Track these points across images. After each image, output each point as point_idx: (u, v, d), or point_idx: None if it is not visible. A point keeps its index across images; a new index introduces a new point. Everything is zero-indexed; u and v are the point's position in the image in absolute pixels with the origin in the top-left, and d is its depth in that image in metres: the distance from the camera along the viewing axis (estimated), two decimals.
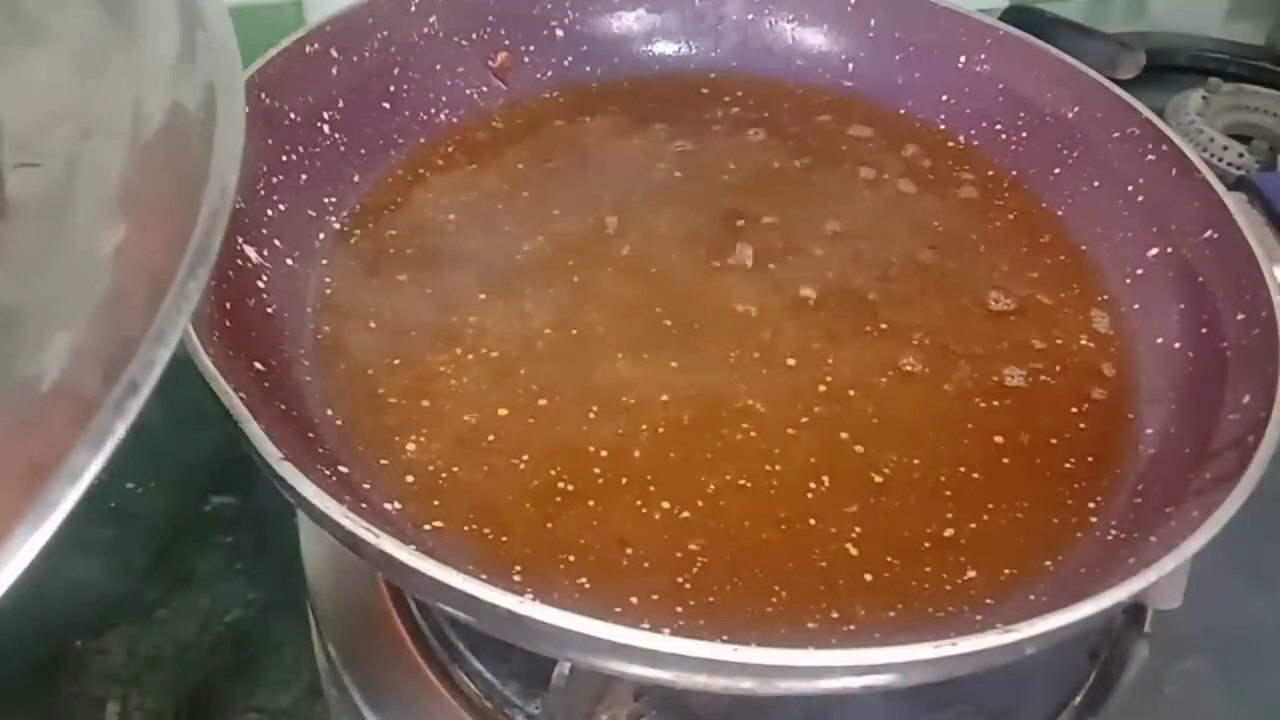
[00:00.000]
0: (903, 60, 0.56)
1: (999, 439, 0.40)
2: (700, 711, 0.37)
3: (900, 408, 0.41)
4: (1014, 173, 0.53)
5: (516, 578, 0.34)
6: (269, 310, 0.40)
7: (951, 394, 0.42)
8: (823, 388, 0.41)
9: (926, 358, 0.43)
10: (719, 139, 0.53)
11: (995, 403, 0.42)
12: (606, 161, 0.51)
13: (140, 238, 0.24)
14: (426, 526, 0.35)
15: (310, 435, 0.36)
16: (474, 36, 0.53)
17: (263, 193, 0.43)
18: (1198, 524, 0.32)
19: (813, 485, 0.38)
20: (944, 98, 0.55)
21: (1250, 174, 0.63)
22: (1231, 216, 0.44)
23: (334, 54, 0.48)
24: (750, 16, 0.58)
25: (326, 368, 0.40)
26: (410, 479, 0.37)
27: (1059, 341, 0.45)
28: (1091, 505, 0.39)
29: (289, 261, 0.43)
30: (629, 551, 0.35)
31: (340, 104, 0.48)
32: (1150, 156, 0.48)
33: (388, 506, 0.36)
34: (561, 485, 0.37)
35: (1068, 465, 0.40)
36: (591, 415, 0.39)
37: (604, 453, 0.38)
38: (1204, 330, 0.43)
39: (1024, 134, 0.53)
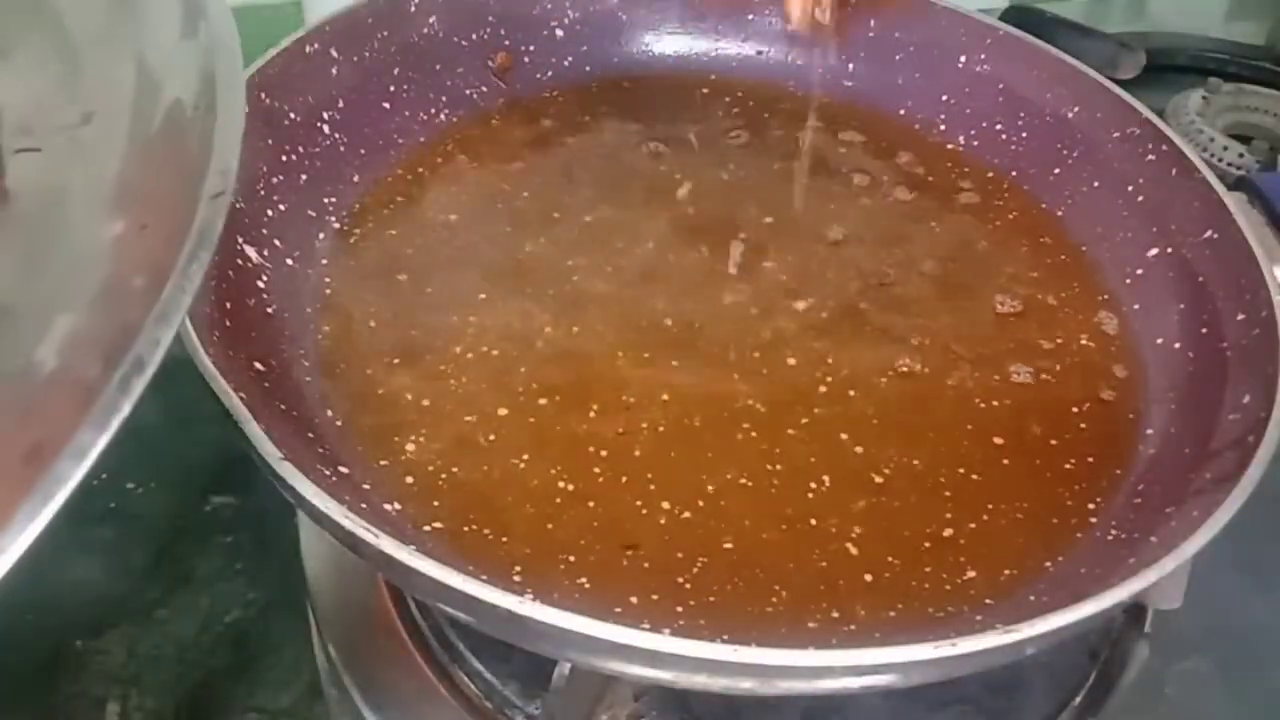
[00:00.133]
0: (902, 60, 0.56)
1: (999, 439, 0.40)
2: (700, 711, 0.37)
3: (900, 408, 0.41)
4: (1014, 173, 0.53)
5: (516, 578, 0.34)
6: (269, 310, 0.40)
7: (952, 394, 0.42)
8: (823, 388, 0.41)
9: (926, 358, 0.43)
10: (719, 139, 0.53)
11: (995, 403, 0.42)
12: (606, 162, 0.51)
13: (141, 223, 0.24)
14: (426, 526, 0.35)
15: (310, 435, 0.36)
16: (474, 36, 0.53)
17: (263, 193, 0.43)
18: (1198, 524, 0.32)
19: (813, 485, 0.38)
20: (944, 98, 0.55)
21: (1250, 174, 0.63)
22: (1231, 216, 0.44)
23: (334, 54, 0.48)
24: (750, 17, 0.58)
25: (326, 368, 0.40)
26: (410, 479, 0.37)
27: (1059, 341, 0.45)
28: (1091, 505, 0.39)
29: (289, 261, 0.43)
30: (629, 551, 0.35)
31: (340, 104, 0.48)
32: (1150, 156, 0.48)
33: (388, 506, 0.36)
34: (561, 485, 0.37)
35: (1068, 465, 0.40)
36: (591, 415, 0.39)
37: (604, 453, 0.38)
38: (1204, 330, 0.43)
39: (1024, 134, 0.53)
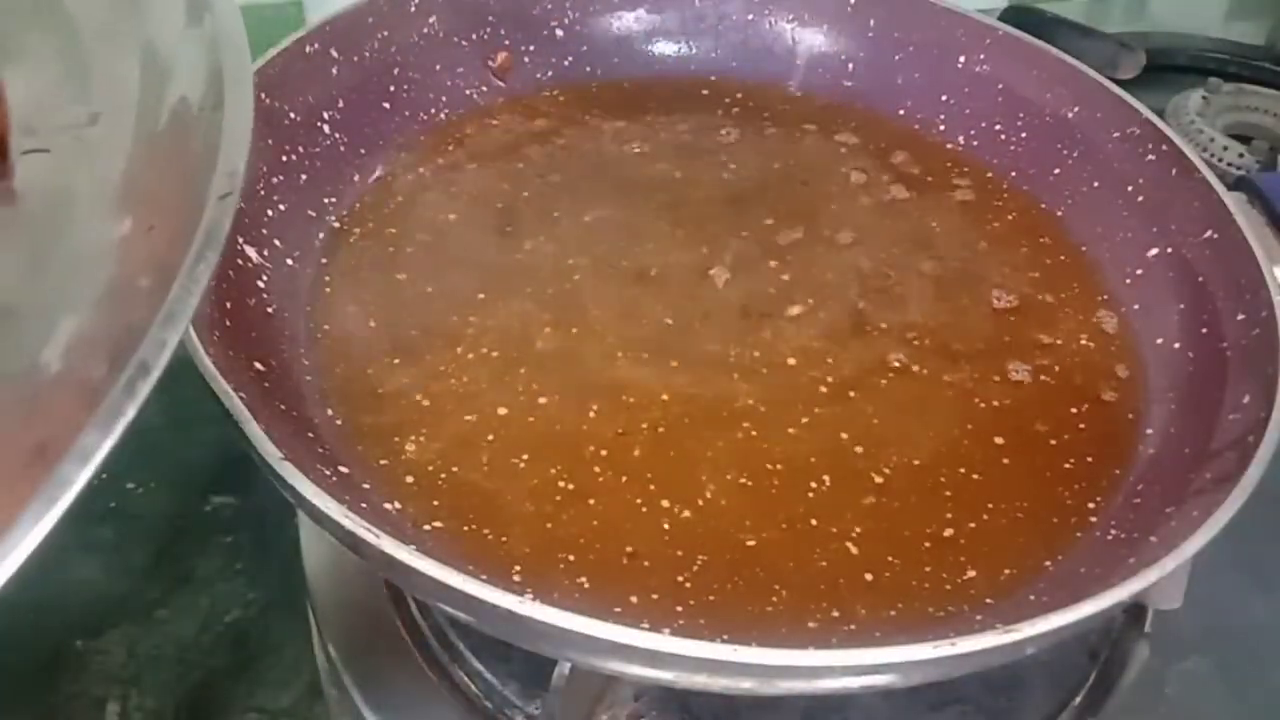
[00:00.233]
0: (902, 60, 0.56)
1: (999, 439, 0.40)
2: (700, 711, 0.37)
3: (900, 408, 0.41)
4: (1014, 173, 0.53)
5: (516, 578, 0.34)
6: (269, 310, 0.40)
7: (952, 394, 0.42)
8: (823, 388, 0.41)
9: (926, 358, 0.43)
10: (719, 139, 0.53)
11: (995, 403, 0.42)
12: (606, 161, 0.51)
13: (148, 224, 0.24)
14: (426, 526, 0.35)
15: (310, 435, 0.36)
16: (474, 36, 0.53)
17: (263, 193, 0.43)
18: (1198, 524, 0.32)
19: (813, 485, 0.38)
20: (943, 98, 0.55)
21: (1250, 174, 0.63)
22: (1231, 216, 0.44)
23: (334, 54, 0.48)
24: (750, 17, 0.58)
25: (326, 368, 0.40)
26: (410, 479, 0.37)
27: (1058, 342, 0.45)
28: (1091, 505, 0.39)
29: (289, 261, 0.43)
30: (629, 551, 0.35)
31: (340, 104, 0.48)
32: (1150, 156, 0.48)
33: (388, 506, 0.36)
34: (561, 485, 0.37)
35: (1068, 465, 0.40)
36: (591, 414, 0.39)
37: (604, 452, 0.38)
38: (1204, 330, 0.43)
39: (1024, 134, 0.53)
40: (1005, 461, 0.40)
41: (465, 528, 0.35)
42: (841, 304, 0.45)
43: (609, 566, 0.35)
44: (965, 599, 0.35)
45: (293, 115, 0.46)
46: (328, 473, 0.34)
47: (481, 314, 0.43)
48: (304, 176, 0.45)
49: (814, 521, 0.37)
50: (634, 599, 0.34)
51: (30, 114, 0.27)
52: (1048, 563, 0.37)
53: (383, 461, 0.37)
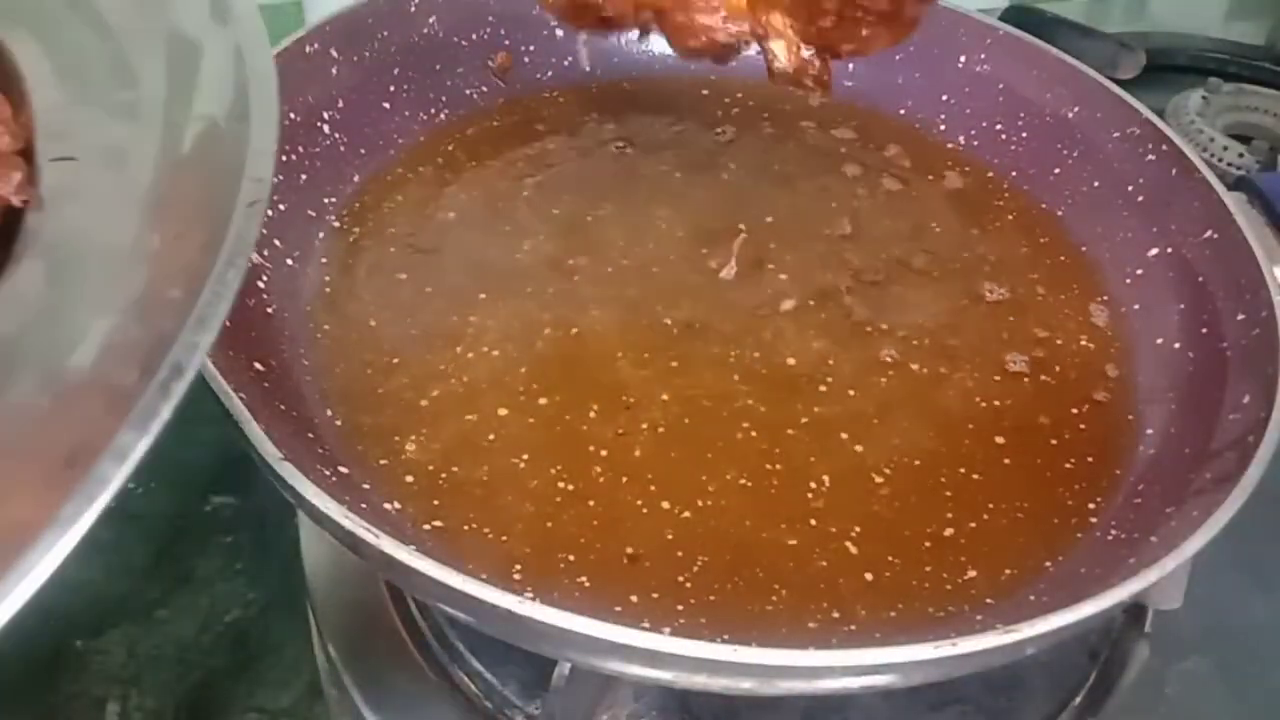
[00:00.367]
0: (903, 60, 0.56)
1: (999, 439, 0.40)
2: (700, 711, 0.37)
3: (900, 408, 0.41)
4: (1014, 173, 0.53)
5: (516, 578, 0.34)
6: (269, 310, 0.40)
7: (952, 394, 0.42)
8: (823, 388, 0.41)
9: (926, 358, 0.43)
10: (719, 139, 0.53)
11: (995, 403, 0.42)
12: (606, 161, 0.51)
13: (176, 231, 0.24)
14: (426, 526, 0.35)
15: (310, 435, 0.36)
16: (474, 36, 0.53)
17: None
18: (1198, 524, 0.32)
19: (813, 485, 0.38)
20: (944, 98, 0.55)
21: (1250, 174, 0.63)
22: (1231, 216, 0.44)
23: (334, 54, 0.48)
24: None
25: (326, 368, 0.40)
26: (410, 479, 0.37)
27: (1059, 342, 0.45)
28: (1091, 505, 0.39)
29: (289, 261, 0.43)
30: (629, 551, 0.35)
31: (340, 104, 0.48)
32: (1150, 156, 0.48)
33: (388, 506, 0.36)
34: (561, 485, 0.37)
35: (1068, 465, 0.40)
36: (591, 415, 0.39)
37: (604, 452, 0.38)
38: (1204, 330, 0.43)
39: (1024, 134, 0.53)
40: (1005, 461, 0.40)
41: (465, 528, 0.35)
42: (841, 304, 0.45)
43: (609, 566, 0.35)
44: (965, 599, 0.35)
45: (293, 115, 0.46)
46: (328, 473, 0.34)
47: (481, 314, 0.43)
48: (304, 176, 0.45)
49: (814, 521, 0.37)
50: (634, 599, 0.34)
51: (58, 121, 0.27)
52: (1048, 563, 0.37)
53: (383, 461, 0.37)
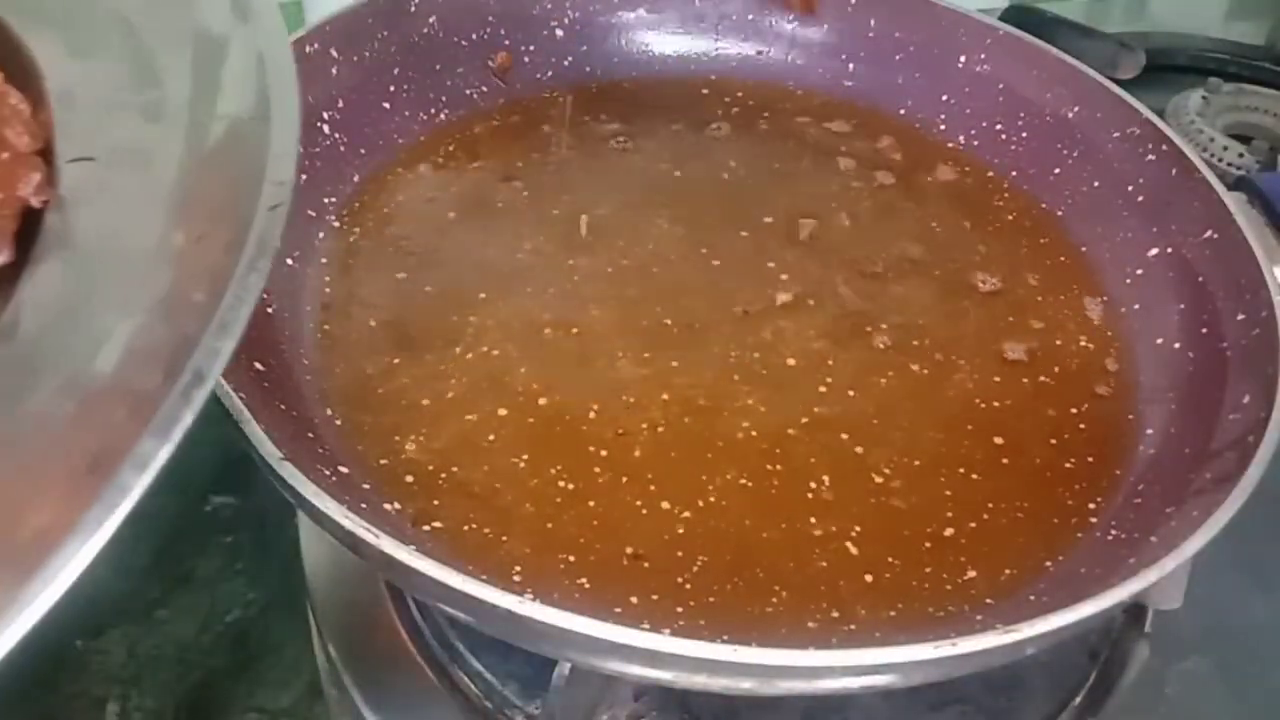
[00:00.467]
0: (903, 60, 0.56)
1: (999, 439, 0.40)
2: (700, 711, 0.37)
3: (900, 408, 0.41)
4: (1014, 173, 0.53)
5: (516, 578, 0.34)
6: (269, 310, 0.40)
7: (952, 394, 0.42)
8: (823, 388, 0.41)
9: (926, 358, 0.43)
10: (719, 139, 0.53)
11: (995, 403, 0.42)
12: (606, 161, 0.51)
13: (198, 234, 0.24)
14: (426, 526, 0.35)
15: (310, 435, 0.36)
16: (474, 36, 0.53)
17: None
18: (1198, 524, 0.32)
19: (813, 485, 0.38)
20: (944, 98, 0.55)
21: (1250, 174, 0.63)
22: (1231, 216, 0.44)
23: (334, 54, 0.48)
24: (750, 17, 0.58)
25: (326, 368, 0.40)
26: (410, 479, 0.37)
27: (1058, 342, 0.45)
28: (1091, 505, 0.39)
29: (289, 261, 0.43)
30: (629, 551, 0.35)
31: (340, 104, 0.48)
32: (1150, 156, 0.48)
33: (388, 506, 0.36)
34: (562, 485, 0.37)
35: (1068, 465, 0.40)
36: (591, 415, 0.39)
37: (604, 452, 0.38)
38: (1204, 330, 0.43)
39: (1024, 134, 0.53)
40: (1005, 462, 0.40)
41: (465, 528, 0.35)
42: (842, 304, 0.45)
43: (609, 567, 0.35)
44: (965, 599, 0.35)
45: None
46: (328, 473, 0.34)
47: (481, 314, 0.43)
48: (304, 176, 0.45)
49: (814, 521, 0.37)
50: (634, 599, 0.34)
51: (79, 120, 0.27)
52: (1048, 563, 0.37)
53: (383, 461, 0.37)
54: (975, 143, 0.54)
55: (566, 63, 0.56)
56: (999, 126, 0.54)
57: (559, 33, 0.55)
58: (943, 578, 0.36)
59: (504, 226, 0.47)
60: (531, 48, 0.55)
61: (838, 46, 0.57)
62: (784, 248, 0.47)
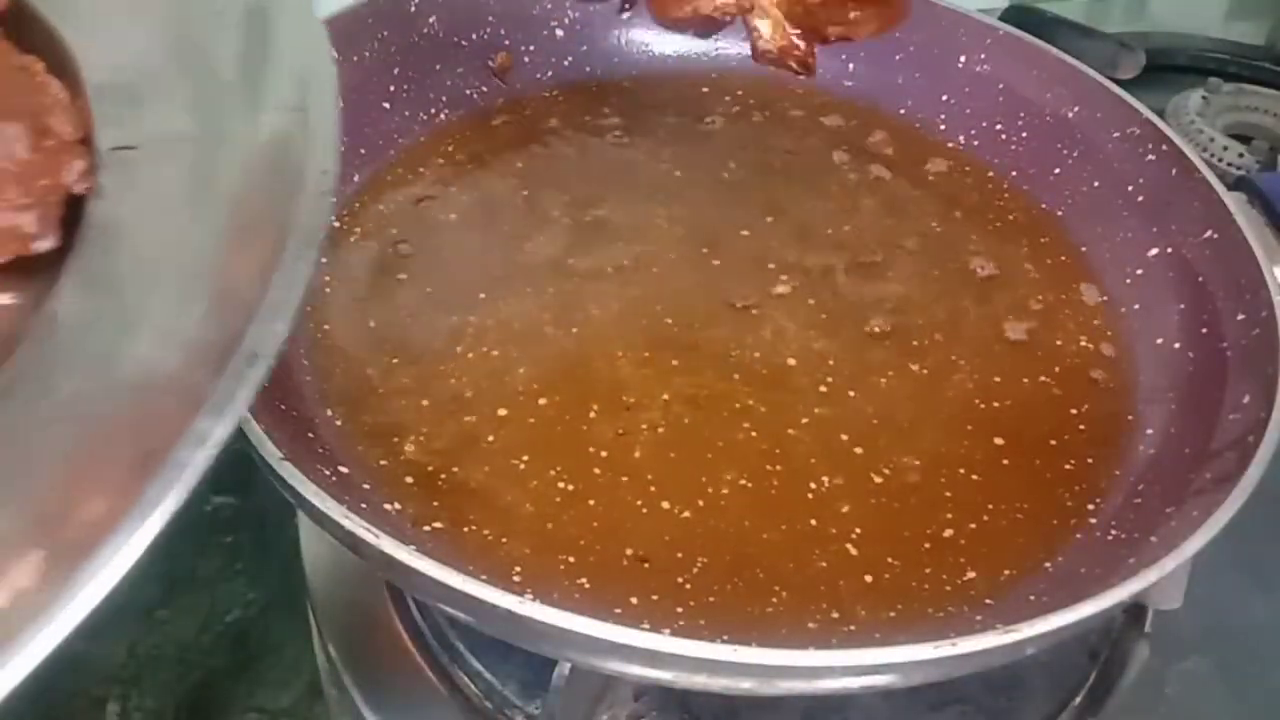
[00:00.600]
0: (903, 60, 0.56)
1: (999, 439, 0.40)
2: (700, 711, 0.37)
3: (900, 408, 0.41)
4: (1014, 173, 0.53)
5: (516, 578, 0.34)
6: None
7: (952, 395, 0.42)
8: (823, 388, 0.41)
9: (926, 359, 0.43)
10: (719, 138, 0.53)
11: (995, 404, 0.42)
12: (606, 161, 0.51)
13: (241, 221, 0.24)
14: (426, 527, 0.35)
15: (310, 435, 0.36)
16: (474, 36, 0.53)
17: None
18: (1198, 524, 0.32)
19: (813, 485, 0.38)
20: (944, 98, 0.55)
21: (1250, 174, 0.63)
22: (1231, 216, 0.44)
23: (334, 54, 0.48)
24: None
25: (326, 368, 0.40)
26: (410, 479, 0.37)
27: (1058, 342, 0.45)
28: (1091, 506, 0.39)
29: None
30: (629, 552, 0.35)
31: (340, 104, 0.48)
32: (1150, 156, 0.48)
33: (388, 506, 0.36)
34: (561, 485, 0.37)
35: (1068, 466, 0.40)
36: (591, 415, 0.39)
37: (604, 452, 0.38)
38: (1204, 330, 0.43)
39: (1024, 134, 0.53)
40: (1005, 462, 0.40)
41: (465, 528, 0.35)
42: (843, 305, 0.45)
43: (609, 567, 0.35)
44: (965, 599, 0.35)
45: None
46: (328, 473, 0.34)
47: (481, 314, 0.43)
48: None
49: (814, 522, 0.37)
50: (634, 600, 0.34)
51: (117, 111, 0.27)
52: (1048, 563, 0.37)
53: (383, 461, 0.37)
54: (975, 142, 0.54)
55: (566, 62, 0.56)
56: (999, 126, 0.54)
57: (559, 33, 0.55)
58: (942, 578, 0.36)
59: (504, 226, 0.47)
60: (531, 48, 0.55)
61: (837, 46, 0.57)
62: (785, 247, 0.47)
